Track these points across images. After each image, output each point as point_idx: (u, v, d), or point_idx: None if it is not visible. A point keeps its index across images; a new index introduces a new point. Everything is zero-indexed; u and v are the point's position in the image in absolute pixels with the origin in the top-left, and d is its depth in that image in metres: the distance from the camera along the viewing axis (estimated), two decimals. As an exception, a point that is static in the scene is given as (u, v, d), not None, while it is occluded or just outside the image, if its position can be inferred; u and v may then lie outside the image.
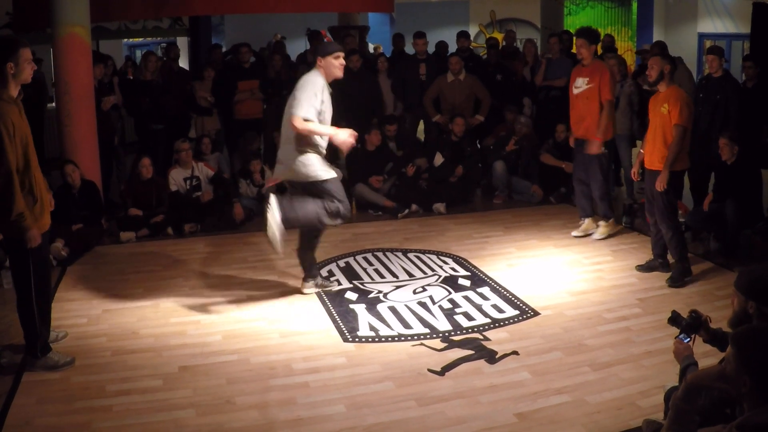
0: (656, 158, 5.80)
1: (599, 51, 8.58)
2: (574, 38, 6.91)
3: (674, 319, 3.52)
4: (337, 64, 5.41)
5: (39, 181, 4.37)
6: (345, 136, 5.31)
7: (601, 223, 7.06)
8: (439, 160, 8.45)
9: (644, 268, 6.13)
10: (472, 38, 15.63)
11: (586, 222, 7.15)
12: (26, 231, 4.24)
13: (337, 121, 9.03)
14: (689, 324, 3.44)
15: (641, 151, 6.09)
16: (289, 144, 5.34)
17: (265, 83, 9.25)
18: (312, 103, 5.24)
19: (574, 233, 7.15)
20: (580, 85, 6.84)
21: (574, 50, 10.24)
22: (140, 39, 16.13)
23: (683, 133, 5.65)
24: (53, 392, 4.20)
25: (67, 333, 5.00)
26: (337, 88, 8.96)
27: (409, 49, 10.26)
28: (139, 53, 15.17)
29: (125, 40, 15.39)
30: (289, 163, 5.35)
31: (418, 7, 16.61)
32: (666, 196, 5.78)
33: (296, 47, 13.36)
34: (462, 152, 8.67)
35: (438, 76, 9.11)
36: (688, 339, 3.41)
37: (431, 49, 9.94)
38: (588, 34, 6.86)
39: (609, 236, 7.02)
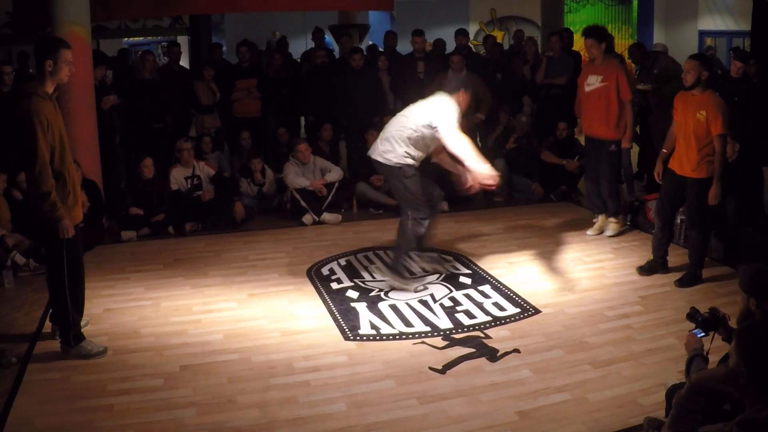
0: (689, 166, 5.62)
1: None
2: (583, 39, 6.82)
3: (692, 315, 3.49)
4: (468, 100, 5.71)
5: (73, 175, 4.48)
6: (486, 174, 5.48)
7: (611, 219, 7.06)
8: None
9: (645, 270, 6.08)
10: (472, 36, 15.70)
11: (600, 219, 7.12)
12: (59, 221, 4.35)
13: (339, 120, 9.06)
14: (706, 320, 3.41)
15: (663, 150, 6.02)
16: (389, 135, 5.63)
17: (265, 82, 9.25)
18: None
19: (589, 232, 7.10)
20: (593, 82, 6.76)
21: (575, 48, 10.29)
22: (140, 38, 16.14)
23: (726, 141, 5.53)
24: (54, 391, 4.20)
25: (88, 321, 5.08)
26: (340, 87, 9.01)
27: (402, 47, 10.23)
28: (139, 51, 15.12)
29: (125, 39, 15.41)
30: (381, 146, 5.67)
31: (419, 5, 16.59)
32: (699, 202, 5.65)
33: (297, 46, 13.34)
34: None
35: (437, 73, 9.09)
36: (703, 334, 3.39)
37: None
38: (596, 32, 6.75)
39: (619, 234, 7.02)
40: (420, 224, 5.69)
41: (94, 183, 7.12)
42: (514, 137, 8.72)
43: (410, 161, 5.59)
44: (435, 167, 6.08)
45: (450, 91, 5.68)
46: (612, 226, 7.04)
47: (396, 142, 5.57)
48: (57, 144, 4.32)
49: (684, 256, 6.11)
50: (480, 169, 5.44)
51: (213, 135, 8.87)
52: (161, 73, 9.18)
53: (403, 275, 5.83)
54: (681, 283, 5.75)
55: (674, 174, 5.82)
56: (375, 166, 5.82)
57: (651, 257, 6.12)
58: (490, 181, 5.48)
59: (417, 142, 5.58)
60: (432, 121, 5.48)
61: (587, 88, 6.84)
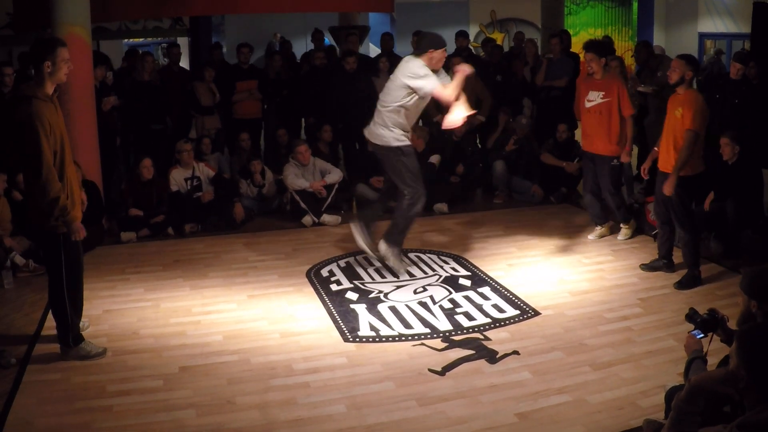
0: (669, 164, 5.71)
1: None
2: (583, 52, 6.81)
3: (691, 317, 3.50)
4: (443, 59, 5.85)
5: (71, 178, 4.49)
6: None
7: (622, 225, 7.05)
8: (435, 159, 8.43)
9: (648, 267, 6.11)
10: (472, 38, 15.69)
11: (601, 229, 7.11)
12: (71, 224, 4.38)
13: (334, 122, 9.04)
14: (705, 321, 3.41)
15: (655, 148, 6.05)
16: (381, 117, 5.85)
17: (265, 83, 9.25)
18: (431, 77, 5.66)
19: (591, 236, 7.10)
20: (594, 98, 6.72)
21: (574, 50, 10.29)
22: (141, 39, 16.13)
23: (694, 139, 5.57)
24: (54, 392, 4.20)
25: (88, 323, 5.10)
26: (334, 89, 9.00)
27: (402, 49, 10.22)
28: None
29: (125, 40, 15.40)
30: (376, 130, 5.89)
31: (419, 6, 16.58)
32: (680, 201, 5.71)
33: (297, 47, 13.34)
34: (462, 152, 8.66)
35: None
36: (702, 336, 3.39)
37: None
38: (597, 47, 6.72)
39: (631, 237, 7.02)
40: (415, 204, 5.92)
41: (94, 184, 7.11)
42: (514, 139, 8.72)
43: (405, 141, 5.86)
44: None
45: (418, 53, 5.82)
46: (624, 231, 7.04)
47: (386, 127, 5.81)
48: (58, 147, 4.33)
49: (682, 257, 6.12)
50: (452, 115, 5.74)
51: (213, 136, 8.87)
52: (161, 75, 9.18)
53: (400, 251, 6.13)
54: (680, 286, 5.75)
55: (661, 173, 5.87)
56: (373, 149, 6.06)
57: (656, 257, 6.16)
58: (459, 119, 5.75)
59: (402, 115, 5.80)
60: (409, 84, 5.68)
61: (588, 104, 6.78)
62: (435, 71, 5.78)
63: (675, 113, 5.66)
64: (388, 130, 5.81)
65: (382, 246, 6.03)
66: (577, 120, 7.42)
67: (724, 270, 6.11)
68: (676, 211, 5.78)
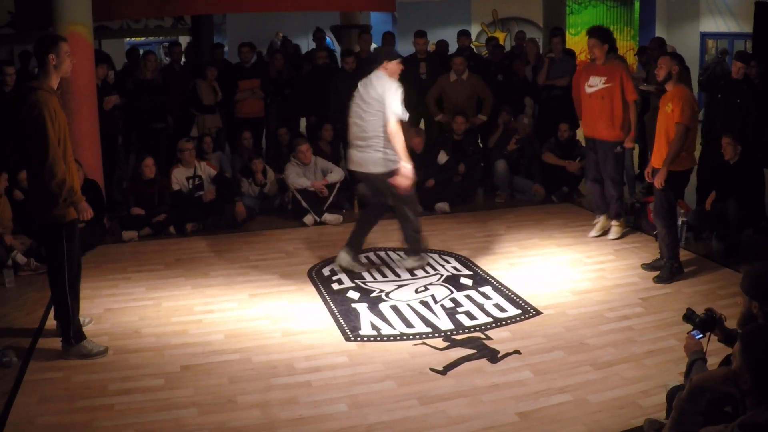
0: (660, 159, 5.78)
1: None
2: (586, 38, 6.82)
3: (689, 317, 3.50)
4: (398, 70, 5.91)
5: (73, 172, 4.52)
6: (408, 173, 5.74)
7: (614, 222, 7.03)
8: (443, 158, 8.43)
9: (650, 267, 6.11)
10: (474, 37, 15.70)
11: (602, 220, 7.10)
12: (78, 203, 4.45)
13: (333, 123, 9.04)
14: (703, 321, 3.41)
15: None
16: (371, 140, 5.79)
17: (267, 82, 9.25)
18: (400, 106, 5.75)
19: (592, 234, 7.08)
20: (595, 83, 6.73)
21: (574, 48, 10.27)
22: (142, 38, 16.15)
23: (684, 132, 5.63)
24: (55, 391, 4.20)
25: (92, 319, 5.14)
26: (332, 89, 9.00)
27: (403, 48, 10.21)
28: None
29: (127, 39, 15.42)
30: (368, 156, 5.83)
31: (420, 5, 16.59)
32: (664, 194, 5.77)
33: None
34: (464, 151, 8.66)
35: (438, 75, 9.07)
36: (701, 336, 3.40)
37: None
38: (600, 33, 6.73)
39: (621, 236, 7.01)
40: (417, 217, 6.09)
41: (96, 183, 7.12)
42: (515, 138, 8.72)
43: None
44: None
45: (376, 66, 5.91)
46: (615, 229, 7.02)
47: (380, 150, 5.77)
48: (61, 138, 4.36)
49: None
50: (404, 168, 5.71)
51: (214, 135, 8.88)
52: (163, 73, 9.19)
53: (421, 254, 6.24)
54: (660, 280, 5.79)
55: (655, 170, 5.91)
56: (371, 179, 5.99)
57: (657, 257, 6.16)
58: (405, 183, 5.75)
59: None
60: (386, 101, 5.70)
61: (588, 90, 6.79)
62: None
63: (665, 109, 5.72)
64: (383, 152, 5.78)
65: (410, 262, 6.21)
66: (576, 111, 7.36)
67: (726, 270, 6.11)
68: (657, 204, 5.82)
